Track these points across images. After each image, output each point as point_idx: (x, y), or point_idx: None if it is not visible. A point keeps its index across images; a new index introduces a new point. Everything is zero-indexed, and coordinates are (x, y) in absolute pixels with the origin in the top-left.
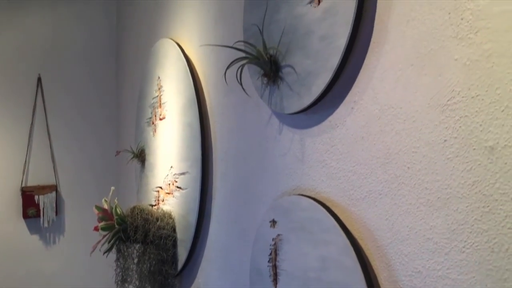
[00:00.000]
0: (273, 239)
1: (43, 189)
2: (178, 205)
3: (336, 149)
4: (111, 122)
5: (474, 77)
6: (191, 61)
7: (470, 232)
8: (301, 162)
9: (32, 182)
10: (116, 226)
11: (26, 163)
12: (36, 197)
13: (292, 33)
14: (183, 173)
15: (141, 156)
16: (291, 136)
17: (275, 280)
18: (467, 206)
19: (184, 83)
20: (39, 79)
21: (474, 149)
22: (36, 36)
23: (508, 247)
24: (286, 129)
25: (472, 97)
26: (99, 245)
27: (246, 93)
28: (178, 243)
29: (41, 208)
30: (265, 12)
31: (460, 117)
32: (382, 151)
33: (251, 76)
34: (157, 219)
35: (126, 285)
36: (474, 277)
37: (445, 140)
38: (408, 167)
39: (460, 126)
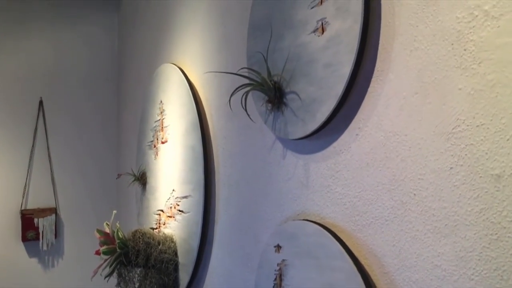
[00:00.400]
0: (277, 264)
1: (43, 212)
2: (180, 229)
3: (341, 175)
4: (111, 145)
5: (479, 106)
6: (194, 86)
7: (479, 259)
8: (306, 187)
9: (31, 205)
10: (118, 250)
11: (26, 186)
12: (35, 220)
13: (296, 60)
14: (185, 197)
15: (142, 179)
16: (295, 161)
17: None
18: (475, 234)
19: (187, 107)
20: (41, 102)
21: (481, 176)
22: (38, 60)
23: None
24: (290, 154)
25: (477, 126)
26: (100, 269)
27: (251, 119)
28: (180, 267)
29: (40, 231)
30: (270, 40)
31: (466, 145)
32: (387, 177)
33: (255, 102)
34: (159, 243)
35: None
36: None
37: (451, 168)
38: (415, 194)
39: (466, 154)
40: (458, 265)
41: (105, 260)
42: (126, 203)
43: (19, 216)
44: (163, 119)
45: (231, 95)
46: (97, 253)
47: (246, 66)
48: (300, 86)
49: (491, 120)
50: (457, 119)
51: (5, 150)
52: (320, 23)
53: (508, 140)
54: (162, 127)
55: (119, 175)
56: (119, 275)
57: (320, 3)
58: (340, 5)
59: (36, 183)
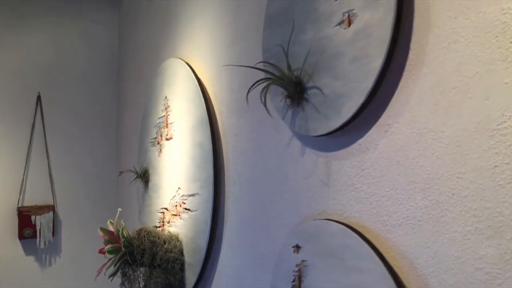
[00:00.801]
0: (296, 265)
1: (40, 209)
2: (186, 227)
3: (368, 173)
4: (110, 142)
5: None
6: (202, 81)
7: None
8: (327, 185)
9: (29, 202)
10: (123, 249)
11: (23, 183)
12: (32, 218)
13: (320, 54)
14: (192, 195)
15: (144, 177)
16: (314, 159)
17: None
18: None
19: (195, 103)
20: (39, 97)
21: None
22: (37, 55)
23: None
24: (309, 152)
25: None
26: (104, 269)
27: (270, 115)
28: (186, 266)
29: (37, 228)
30: (291, 33)
31: None
32: (421, 176)
33: (272, 97)
34: (165, 242)
35: None
36: None
37: (495, 166)
38: (453, 193)
39: None
40: (503, 268)
41: (109, 259)
42: (126, 201)
43: (15, 213)
44: (167, 115)
45: (249, 90)
46: (101, 251)
47: (262, 60)
48: (324, 80)
49: None
50: (503, 115)
51: (1, 145)
52: (347, 15)
53: None
54: (167, 124)
55: (121, 172)
56: (123, 275)
57: None
58: None
59: (34, 180)
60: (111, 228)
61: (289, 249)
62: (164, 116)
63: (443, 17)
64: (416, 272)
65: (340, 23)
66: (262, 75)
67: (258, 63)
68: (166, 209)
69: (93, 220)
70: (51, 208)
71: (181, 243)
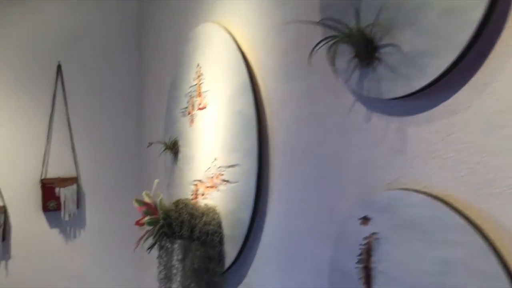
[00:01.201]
0: (364, 238)
1: (64, 181)
2: (225, 200)
3: (456, 138)
4: (133, 112)
5: None
6: (242, 47)
7: None
8: (400, 153)
9: (52, 174)
10: (161, 220)
11: (46, 154)
12: (56, 190)
13: (397, 8)
14: (231, 166)
15: (174, 148)
16: (385, 125)
17: (368, 283)
18: None
19: (234, 70)
20: (59, 67)
21: None
22: (55, 23)
23: None
24: (377, 117)
25: None
26: (142, 241)
27: (334, 77)
28: (225, 240)
29: (61, 201)
30: None
31: None
32: None
33: (331, 58)
34: (203, 214)
35: (170, 283)
36: None
37: None
38: None
39: None
40: None
41: (147, 231)
42: (152, 173)
43: (39, 185)
44: (200, 83)
45: (314, 48)
46: (138, 223)
47: (320, 20)
48: (403, 37)
49: None
50: None
51: (24, 116)
52: None
53: None
54: (200, 93)
55: (150, 144)
56: (161, 247)
57: None
58: None
59: (56, 151)
60: (146, 200)
61: (354, 221)
62: (196, 84)
63: None
64: None
65: None
66: (316, 35)
67: (323, 19)
68: (200, 181)
69: (116, 192)
70: (75, 180)
71: (219, 215)
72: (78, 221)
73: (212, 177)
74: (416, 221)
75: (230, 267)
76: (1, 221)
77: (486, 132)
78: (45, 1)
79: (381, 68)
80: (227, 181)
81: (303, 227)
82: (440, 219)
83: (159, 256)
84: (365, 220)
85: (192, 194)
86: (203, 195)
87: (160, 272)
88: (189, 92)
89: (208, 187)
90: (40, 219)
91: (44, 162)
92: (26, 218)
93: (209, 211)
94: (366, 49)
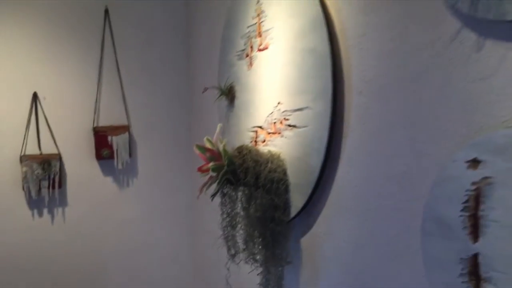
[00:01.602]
0: (473, 183)
1: (116, 129)
2: (291, 146)
3: None
4: (182, 57)
5: None
6: None
7: None
8: None
9: (104, 122)
10: (226, 167)
11: (97, 102)
12: (109, 138)
13: None
14: (299, 109)
15: (229, 94)
16: (502, 53)
17: (475, 233)
18: None
19: (303, 3)
20: (106, 11)
21: None
22: None
23: None
24: (492, 44)
25: None
26: (205, 188)
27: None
28: (292, 188)
29: (114, 149)
30: None
31: None
32: None
33: None
34: (267, 161)
35: (233, 230)
36: None
37: None
38: None
39: None
40: None
41: (210, 178)
42: (205, 121)
43: (91, 133)
44: (261, 22)
45: None
46: (200, 169)
47: None
48: None
49: None
50: None
51: (73, 61)
52: None
53: None
54: (260, 32)
55: (205, 89)
56: (223, 195)
57: None
58: None
59: (107, 99)
60: (208, 146)
61: (459, 165)
62: (256, 23)
63: None
64: None
65: None
66: None
67: None
68: (260, 127)
69: (168, 141)
70: (126, 128)
71: (283, 163)
72: (130, 169)
73: (274, 123)
74: None
75: (296, 216)
76: (57, 169)
77: None
78: None
79: None
80: (293, 126)
81: (386, 173)
82: None
83: (222, 204)
84: (474, 163)
85: (250, 142)
86: (264, 142)
87: (223, 219)
88: (247, 32)
89: (270, 133)
90: (94, 167)
91: (96, 110)
92: (81, 166)
93: (274, 158)
94: None
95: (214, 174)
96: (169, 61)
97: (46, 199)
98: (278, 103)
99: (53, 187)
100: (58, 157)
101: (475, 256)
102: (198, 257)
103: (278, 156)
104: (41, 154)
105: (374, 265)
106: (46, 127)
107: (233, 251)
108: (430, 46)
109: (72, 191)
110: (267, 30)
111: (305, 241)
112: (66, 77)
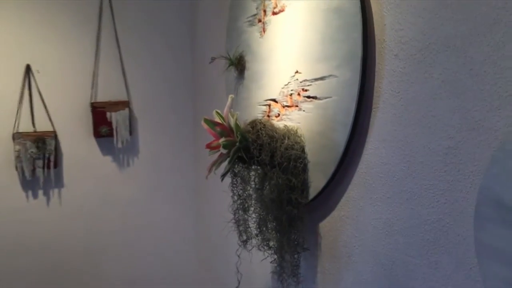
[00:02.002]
0: None
1: (115, 105)
2: (311, 120)
3: None
4: (185, 27)
5: None
6: None
7: None
8: None
9: (102, 97)
10: (238, 143)
11: (94, 76)
12: (108, 114)
13: None
14: (321, 78)
15: (239, 64)
16: None
17: None
18: None
19: None
20: None
21: None
22: None
23: None
24: None
25: None
26: (214, 167)
27: None
28: (311, 166)
29: (113, 126)
30: None
31: None
32: None
33: None
34: (284, 137)
35: (245, 214)
36: None
37: None
38: None
39: None
40: None
41: (220, 156)
42: (211, 94)
43: (89, 109)
44: None
45: None
46: (209, 146)
47: None
48: None
49: None
50: None
51: (69, 31)
52: None
53: None
54: None
55: (213, 59)
56: (234, 174)
57: None
58: None
59: (105, 73)
60: (218, 120)
61: None
62: None
63: None
64: None
65: None
66: None
67: None
68: (274, 100)
69: (171, 117)
70: (126, 104)
71: (301, 139)
72: (131, 148)
73: (291, 95)
74: None
75: (315, 198)
76: (53, 147)
77: None
78: None
79: None
80: (313, 97)
81: (426, 149)
82: None
83: (233, 185)
84: None
85: (263, 116)
86: (278, 116)
87: (234, 202)
88: None
89: (286, 106)
90: (92, 145)
91: (93, 85)
92: (78, 145)
93: (291, 134)
94: None
95: (225, 151)
96: (171, 32)
97: (41, 179)
98: (296, 72)
99: (48, 167)
100: (54, 134)
101: None
102: (203, 242)
103: (296, 132)
104: (35, 131)
105: (410, 254)
106: (40, 103)
107: (244, 237)
108: None
109: (69, 171)
110: None
111: (324, 225)
112: (61, 49)
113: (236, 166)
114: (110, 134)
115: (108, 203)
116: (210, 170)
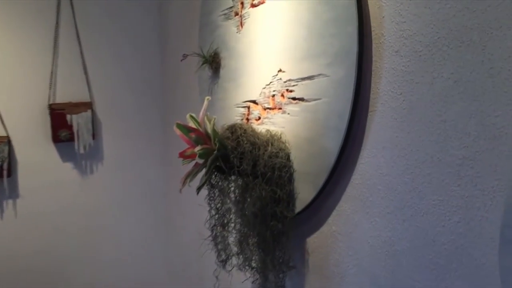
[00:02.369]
0: None
1: (76, 107)
2: (297, 124)
3: None
4: (154, 21)
5: None
6: None
7: None
8: None
9: (62, 98)
10: (216, 152)
11: (53, 74)
12: (68, 117)
13: None
14: (308, 78)
15: (214, 62)
16: None
17: None
18: None
19: None
20: None
21: None
22: None
23: None
24: None
25: None
26: (189, 178)
27: None
28: (297, 176)
29: (74, 130)
30: None
31: None
32: None
33: None
34: (267, 143)
35: (224, 230)
36: None
37: None
38: None
39: None
40: None
41: (195, 165)
42: (183, 95)
43: (47, 111)
44: None
45: None
46: (183, 155)
47: None
48: None
49: None
50: None
51: (23, 25)
52: None
53: None
54: None
55: (184, 56)
56: (212, 186)
57: None
58: None
59: (65, 72)
60: (193, 125)
61: None
62: None
63: None
64: None
65: None
66: None
67: None
68: (254, 102)
69: (137, 120)
70: (89, 106)
71: (286, 145)
72: (94, 153)
73: (273, 96)
74: None
75: (302, 211)
76: (5, 154)
77: None
78: None
79: None
80: (300, 99)
81: (435, 159)
82: None
83: (210, 198)
84: None
85: (241, 120)
86: (259, 119)
87: (211, 217)
88: None
89: (267, 108)
90: (51, 151)
91: (52, 85)
92: (35, 151)
93: (274, 140)
94: None
95: (201, 161)
96: (138, 26)
97: None
98: (279, 71)
99: (1, 176)
100: (7, 140)
101: None
102: (176, 261)
103: (280, 137)
104: None
105: (416, 278)
106: None
107: (223, 256)
108: None
109: (25, 180)
110: None
111: (313, 241)
112: (14, 46)
113: (213, 177)
114: (70, 139)
115: (69, 214)
116: (184, 183)
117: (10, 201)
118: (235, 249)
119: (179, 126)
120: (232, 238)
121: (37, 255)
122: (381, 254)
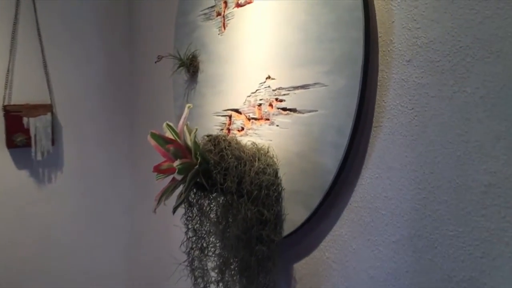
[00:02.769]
0: None
1: (35, 109)
2: (288, 138)
3: None
4: (124, 17)
5: None
6: None
7: None
8: None
9: (18, 99)
10: (197, 166)
11: (9, 73)
12: (25, 120)
13: None
14: (302, 87)
15: (192, 66)
16: None
17: None
18: None
19: None
20: None
21: None
22: None
23: None
24: None
25: None
26: (164, 196)
27: None
28: (286, 195)
29: (32, 134)
30: None
31: None
32: None
33: None
34: (253, 158)
35: (202, 254)
36: None
37: None
38: None
39: None
40: None
41: (172, 181)
42: (155, 100)
43: (1, 113)
44: None
45: None
46: (158, 169)
47: None
48: None
49: None
50: None
51: None
52: None
53: None
54: None
55: (159, 58)
56: (190, 205)
57: None
58: None
59: (23, 70)
60: (170, 135)
61: None
62: None
63: None
64: None
65: None
66: None
67: None
68: (237, 111)
69: (102, 125)
70: (49, 108)
71: (273, 160)
72: (54, 160)
73: (260, 105)
74: None
75: (290, 234)
76: None
77: None
78: None
79: None
80: (292, 110)
81: (453, 184)
82: None
83: (187, 217)
84: None
85: (222, 130)
86: (242, 130)
87: (188, 239)
88: None
89: (252, 119)
90: (4, 157)
91: (7, 84)
92: None
93: (261, 154)
94: None
95: (180, 177)
96: (107, 22)
97: None
98: (267, 78)
99: None
100: None
101: None
102: (141, 283)
103: (267, 151)
104: None
105: None
106: None
107: (201, 284)
108: None
109: None
110: None
111: (301, 267)
112: None
113: (192, 194)
114: (27, 144)
115: (23, 226)
116: (159, 201)
117: None
118: (214, 276)
119: (154, 136)
120: (211, 264)
121: None
122: None
